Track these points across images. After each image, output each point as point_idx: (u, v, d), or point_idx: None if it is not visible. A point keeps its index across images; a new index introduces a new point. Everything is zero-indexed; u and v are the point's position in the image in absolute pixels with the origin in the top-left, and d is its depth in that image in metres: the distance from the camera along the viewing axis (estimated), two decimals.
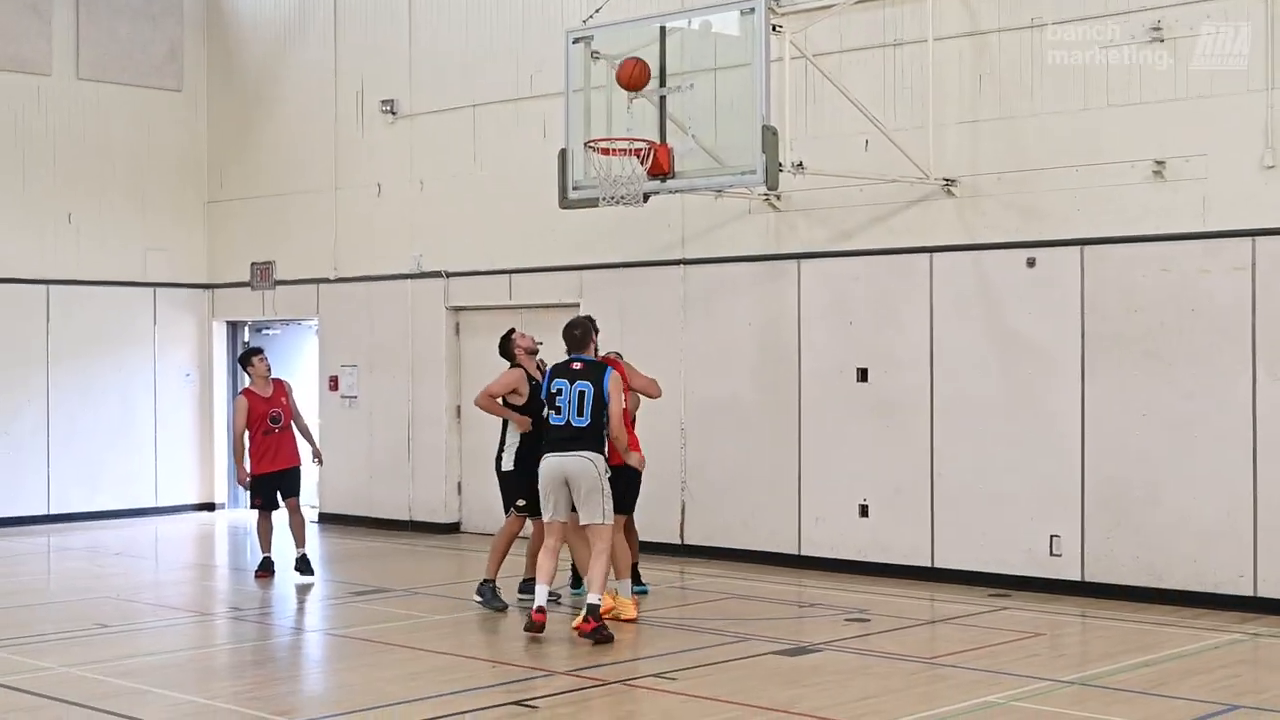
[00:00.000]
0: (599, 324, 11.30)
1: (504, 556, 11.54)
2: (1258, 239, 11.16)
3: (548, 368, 11.14)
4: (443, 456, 16.55)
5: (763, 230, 13.88)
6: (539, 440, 10.75)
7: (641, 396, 11.81)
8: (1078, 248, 12.01)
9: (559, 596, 11.55)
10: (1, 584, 13.51)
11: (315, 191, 17.87)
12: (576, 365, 10.51)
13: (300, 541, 13.17)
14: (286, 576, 13.15)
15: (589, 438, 10.34)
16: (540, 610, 10.26)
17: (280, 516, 13.36)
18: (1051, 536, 12.13)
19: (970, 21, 12.60)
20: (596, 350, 10.93)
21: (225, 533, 17.44)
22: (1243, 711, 8.18)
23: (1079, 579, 11.99)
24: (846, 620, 11.02)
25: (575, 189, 12.43)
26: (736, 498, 14.05)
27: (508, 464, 11.46)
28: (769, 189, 12.33)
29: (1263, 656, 9.95)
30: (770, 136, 11.23)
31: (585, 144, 12.00)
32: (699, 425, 14.27)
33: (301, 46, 18.08)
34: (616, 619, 10.68)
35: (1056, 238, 12.12)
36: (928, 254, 12.81)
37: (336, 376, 17.59)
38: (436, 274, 16.58)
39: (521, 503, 11.36)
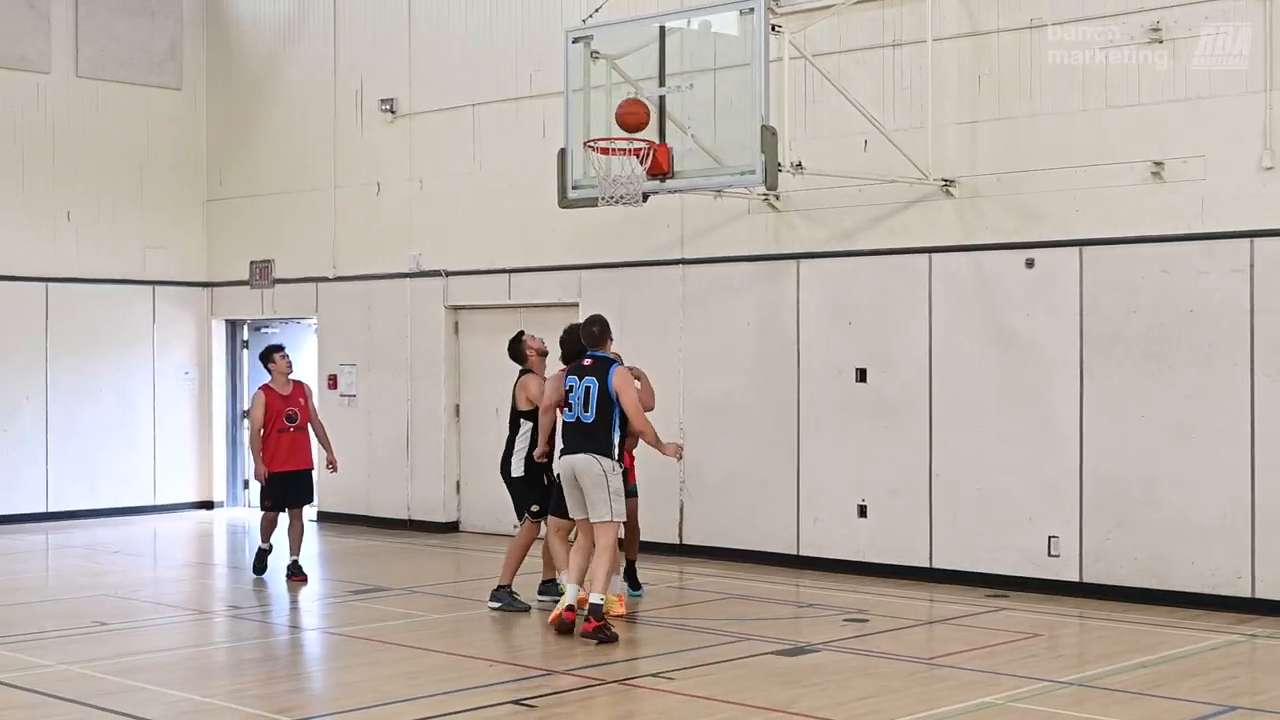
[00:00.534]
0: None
1: (520, 563, 11.43)
2: (1256, 240, 11.17)
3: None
4: (441, 455, 16.54)
5: (762, 230, 13.88)
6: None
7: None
8: (1076, 248, 12.01)
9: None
10: (0, 581, 13.51)
11: (314, 190, 17.86)
12: (588, 362, 10.58)
13: (295, 549, 13.13)
14: (282, 576, 13.13)
15: (597, 433, 10.37)
16: (570, 609, 10.29)
17: (283, 517, 13.32)
18: (1050, 537, 12.14)
19: (969, 22, 12.60)
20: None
21: (224, 531, 17.43)
22: (1240, 712, 8.19)
23: (1077, 579, 11.99)
24: (845, 620, 11.02)
25: (575, 188, 12.43)
26: (735, 498, 14.05)
27: (518, 469, 11.40)
28: (768, 189, 12.33)
29: (1261, 657, 9.95)
30: (769, 136, 11.23)
31: (585, 143, 12.00)
32: (698, 425, 14.27)
33: (301, 45, 18.07)
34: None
35: (1055, 238, 12.12)
36: (927, 254, 12.81)
37: (335, 375, 17.58)
38: (436, 273, 16.57)
39: (535, 508, 11.34)
